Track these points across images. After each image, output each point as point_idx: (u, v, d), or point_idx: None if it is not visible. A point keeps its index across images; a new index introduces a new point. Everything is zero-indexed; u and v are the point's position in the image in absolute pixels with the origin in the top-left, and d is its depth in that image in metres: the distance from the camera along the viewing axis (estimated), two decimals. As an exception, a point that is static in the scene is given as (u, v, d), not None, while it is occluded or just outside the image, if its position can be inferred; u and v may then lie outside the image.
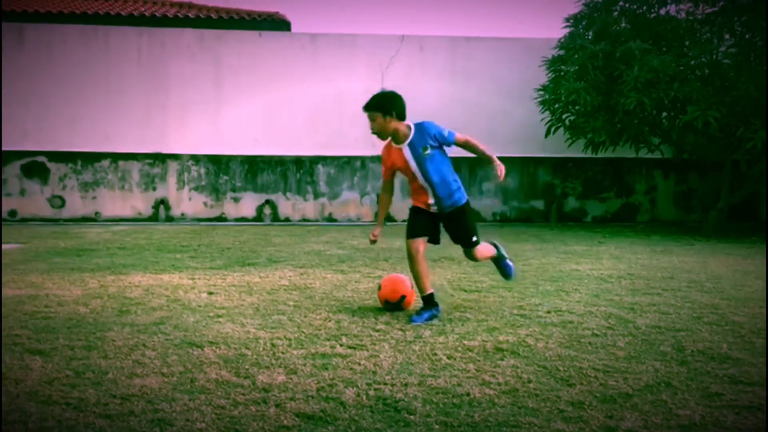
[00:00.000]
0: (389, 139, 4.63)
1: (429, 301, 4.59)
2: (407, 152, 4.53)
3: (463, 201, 4.66)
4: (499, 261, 5.05)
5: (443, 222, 4.70)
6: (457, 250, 8.25)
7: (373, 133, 4.60)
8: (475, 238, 4.71)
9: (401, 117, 4.56)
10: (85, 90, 12.21)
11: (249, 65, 12.47)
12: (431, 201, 4.60)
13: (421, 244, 4.59)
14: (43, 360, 3.50)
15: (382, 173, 4.75)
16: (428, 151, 4.50)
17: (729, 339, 4.05)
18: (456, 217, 4.66)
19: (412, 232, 4.61)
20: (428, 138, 4.52)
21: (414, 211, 4.69)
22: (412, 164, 4.53)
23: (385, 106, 4.51)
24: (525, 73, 12.29)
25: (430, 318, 4.49)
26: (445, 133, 4.55)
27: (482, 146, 4.64)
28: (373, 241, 4.83)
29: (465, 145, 4.63)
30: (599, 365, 3.50)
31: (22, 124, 12.01)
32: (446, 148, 4.62)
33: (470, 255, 4.81)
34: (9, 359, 3.51)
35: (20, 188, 12.08)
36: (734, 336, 4.13)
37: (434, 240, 4.70)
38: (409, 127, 4.57)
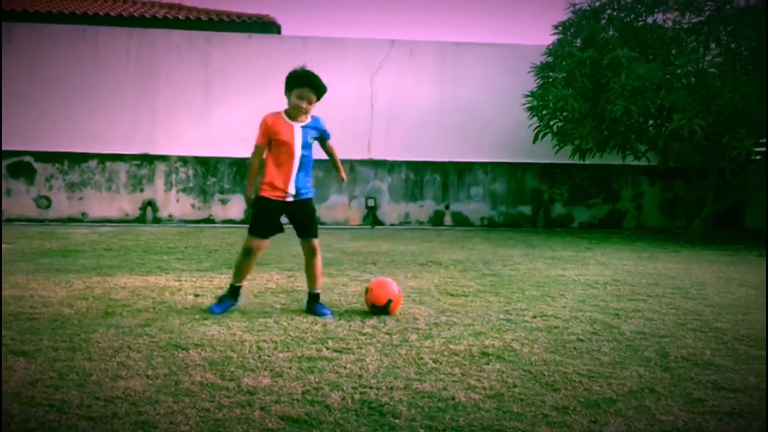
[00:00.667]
0: (280, 110, 4.80)
1: (236, 292, 4.83)
2: (298, 132, 4.70)
3: (312, 195, 4.91)
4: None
5: (292, 211, 4.79)
6: (444, 254, 8.31)
7: (303, 113, 4.72)
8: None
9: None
10: (73, 90, 12.14)
11: (239, 67, 12.45)
12: (289, 188, 4.70)
13: (265, 244, 4.76)
14: (26, 361, 3.48)
15: (257, 137, 4.76)
16: (311, 141, 4.77)
17: (712, 345, 4.09)
18: (305, 207, 4.80)
19: (263, 231, 4.73)
20: (317, 131, 4.79)
21: (263, 203, 4.71)
22: (297, 145, 4.69)
23: (323, 93, 4.72)
24: (514, 79, 12.34)
25: (229, 307, 4.74)
26: (328, 131, 4.88)
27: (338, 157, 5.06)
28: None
29: (331, 149, 5.00)
30: (584, 370, 3.52)
31: (9, 124, 11.91)
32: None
33: (311, 246, 4.83)
34: (-8, 360, 3.48)
35: (6, 188, 11.99)
36: (717, 342, 4.17)
37: (280, 229, 4.80)
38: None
